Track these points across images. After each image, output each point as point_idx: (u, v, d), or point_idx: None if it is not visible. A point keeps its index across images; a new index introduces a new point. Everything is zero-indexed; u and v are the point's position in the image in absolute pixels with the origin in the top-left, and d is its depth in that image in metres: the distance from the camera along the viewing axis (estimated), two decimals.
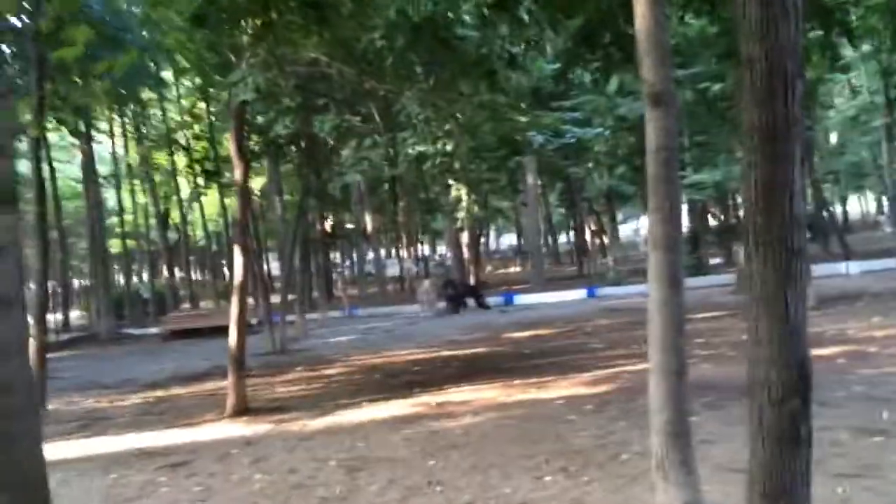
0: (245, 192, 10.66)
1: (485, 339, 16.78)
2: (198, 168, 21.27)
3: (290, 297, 22.86)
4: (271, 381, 13.16)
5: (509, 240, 71.29)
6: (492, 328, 19.03)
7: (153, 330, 27.04)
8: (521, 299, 25.95)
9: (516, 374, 11.48)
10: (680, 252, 4.35)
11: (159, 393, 13.11)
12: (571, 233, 53.40)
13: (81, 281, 46.84)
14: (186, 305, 36.50)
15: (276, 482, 6.87)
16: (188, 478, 7.28)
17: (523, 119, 11.68)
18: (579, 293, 25.66)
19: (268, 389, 12.29)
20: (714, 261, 31.97)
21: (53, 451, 9.14)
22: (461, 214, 27.94)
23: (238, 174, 10.49)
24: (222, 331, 16.30)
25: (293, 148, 17.43)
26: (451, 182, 20.86)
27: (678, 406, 4.16)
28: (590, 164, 27.89)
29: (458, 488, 6.24)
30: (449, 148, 13.33)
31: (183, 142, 28.86)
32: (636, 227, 64.72)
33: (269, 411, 10.27)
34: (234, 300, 10.34)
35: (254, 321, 23.89)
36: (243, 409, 10.08)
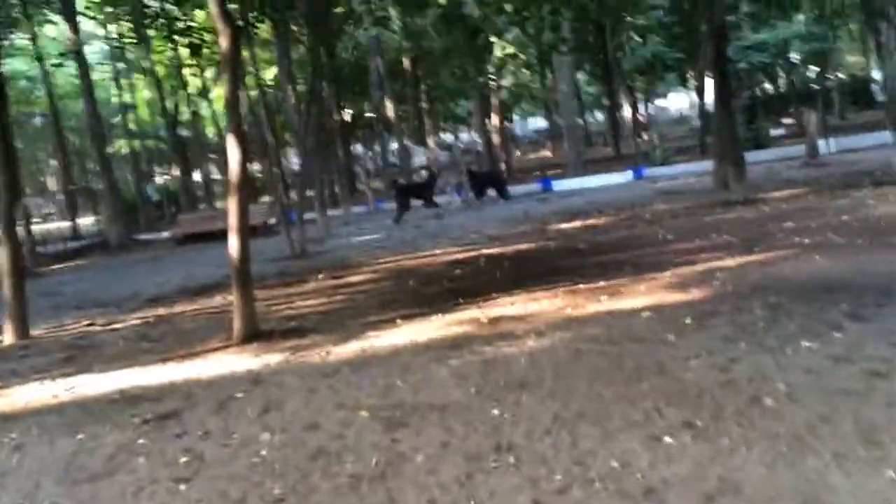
0: (234, 66, 8.45)
1: (529, 234, 14.76)
2: (179, 41, 18.72)
3: (309, 193, 20.89)
4: (288, 294, 11.38)
5: (534, 124, 68.40)
6: (533, 219, 16.98)
7: (165, 234, 25.42)
8: (561, 185, 23.75)
9: (578, 275, 9.54)
10: None
11: (161, 311, 11.41)
12: (603, 113, 50.34)
13: (96, 186, 45.37)
14: (203, 206, 34.86)
15: (290, 445, 5.09)
16: (176, 438, 5.54)
17: None
18: (624, 175, 23.31)
19: (284, 304, 10.51)
20: (774, 132, 29.00)
21: (22, 396, 7.44)
22: (505, 81, 24.91)
23: (224, 42, 8.27)
24: None
25: (296, 21, 14.85)
26: (493, 40, 18.14)
27: None
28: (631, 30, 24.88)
29: (541, 458, 4.38)
30: None
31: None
32: (667, 106, 61.14)
33: (285, 334, 8.47)
34: (232, 202, 8.36)
35: (272, 221, 22.17)
36: (253, 334, 8.31)
